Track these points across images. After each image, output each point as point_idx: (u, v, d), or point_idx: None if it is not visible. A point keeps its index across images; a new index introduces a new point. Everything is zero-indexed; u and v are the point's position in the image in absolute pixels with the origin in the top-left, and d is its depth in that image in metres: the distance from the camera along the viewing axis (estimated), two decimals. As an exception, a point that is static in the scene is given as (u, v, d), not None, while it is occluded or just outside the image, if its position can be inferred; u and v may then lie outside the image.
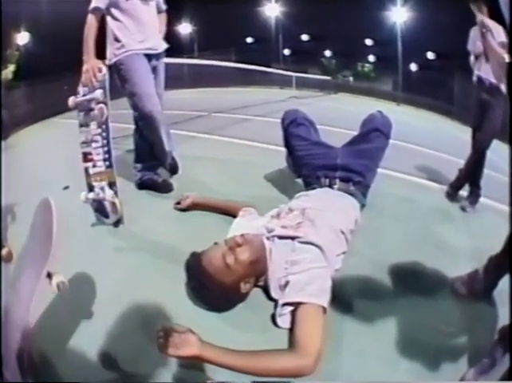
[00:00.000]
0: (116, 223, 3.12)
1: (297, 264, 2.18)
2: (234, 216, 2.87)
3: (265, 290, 2.29)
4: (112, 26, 3.42)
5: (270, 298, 2.24)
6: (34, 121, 9.44)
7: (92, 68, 3.08)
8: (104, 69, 3.14)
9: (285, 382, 1.75)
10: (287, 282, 2.13)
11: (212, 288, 2.11)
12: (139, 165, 3.73)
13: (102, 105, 3.04)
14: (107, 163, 3.07)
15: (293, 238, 2.36)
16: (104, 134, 3.06)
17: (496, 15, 3.15)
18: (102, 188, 3.06)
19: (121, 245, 2.86)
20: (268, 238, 2.40)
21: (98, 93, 3.02)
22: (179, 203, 3.29)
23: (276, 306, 2.14)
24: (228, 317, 2.14)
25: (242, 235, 2.23)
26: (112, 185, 3.08)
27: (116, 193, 3.08)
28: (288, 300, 2.07)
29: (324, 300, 2.04)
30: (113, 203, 3.04)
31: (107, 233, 3.03)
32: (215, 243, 2.26)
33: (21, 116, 9.39)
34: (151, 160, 3.73)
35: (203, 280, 2.12)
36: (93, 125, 3.07)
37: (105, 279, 2.45)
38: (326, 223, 2.48)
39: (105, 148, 3.06)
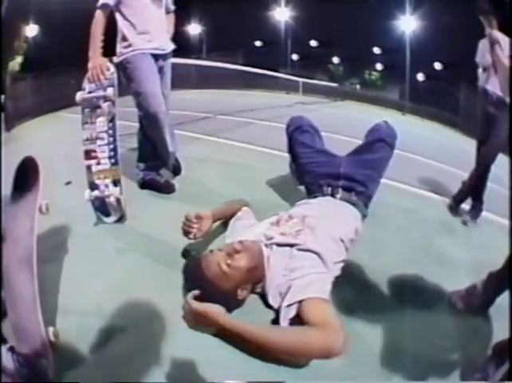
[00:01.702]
0: (120, 220, 3.12)
1: (297, 270, 2.17)
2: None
3: (263, 297, 2.28)
4: (120, 24, 3.44)
5: (267, 305, 2.23)
6: (39, 114, 9.46)
7: (100, 66, 3.10)
8: (112, 68, 3.15)
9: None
10: (289, 288, 2.11)
11: (209, 293, 2.07)
12: (141, 165, 3.73)
13: (111, 103, 3.05)
14: (112, 160, 3.07)
15: (291, 245, 2.34)
16: (110, 131, 3.07)
17: (506, 28, 3.15)
18: (106, 185, 3.06)
19: (121, 244, 2.86)
20: (266, 246, 2.38)
21: (110, 91, 3.04)
22: (195, 237, 2.59)
23: (278, 312, 2.11)
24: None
25: (240, 242, 2.23)
26: (116, 182, 3.09)
27: (121, 190, 3.09)
28: (291, 301, 2.05)
29: (326, 297, 2.06)
30: (118, 200, 3.04)
31: (107, 232, 3.03)
32: (211, 251, 2.25)
33: (26, 109, 9.43)
34: (154, 160, 3.73)
35: (201, 285, 2.10)
36: (99, 122, 3.07)
37: (104, 278, 2.46)
38: (326, 230, 2.47)
39: (111, 146, 3.07)
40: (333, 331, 1.80)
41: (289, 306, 2.05)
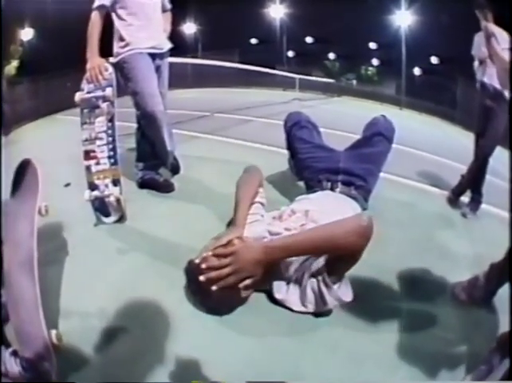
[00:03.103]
0: (120, 220, 3.12)
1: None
2: None
3: (268, 292, 2.27)
4: (116, 25, 3.43)
5: (272, 300, 2.23)
6: (36, 117, 9.45)
7: (99, 66, 3.10)
8: (111, 68, 3.15)
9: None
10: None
11: (214, 294, 2.04)
12: (140, 164, 3.72)
13: (109, 103, 3.05)
14: (111, 160, 3.07)
15: None
16: (109, 131, 3.07)
17: (501, 21, 3.15)
18: (106, 185, 3.06)
19: (122, 244, 2.85)
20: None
21: (109, 91, 3.04)
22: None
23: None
24: (227, 319, 2.13)
25: (242, 241, 2.20)
26: (116, 182, 3.08)
27: (120, 190, 3.09)
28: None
29: None
30: (118, 200, 3.04)
31: (107, 232, 3.03)
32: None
33: (24, 112, 9.40)
34: (153, 160, 3.72)
35: (205, 287, 2.06)
36: (98, 123, 3.07)
37: (105, 278, 2.45)
38: None
39: (110, 146, 3.06)
40: (358, 214, 2.26)
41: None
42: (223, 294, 2.05)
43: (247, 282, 2.07)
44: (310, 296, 2.12)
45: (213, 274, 2.00)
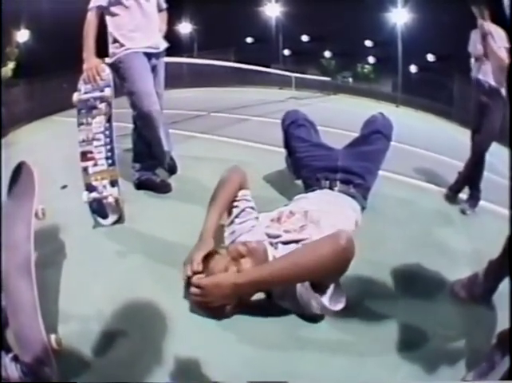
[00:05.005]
0: (118, 221, 3.11)
1: None
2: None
3: (268, 295, 2.25)
4: (111, 25, 3.41)
5: (272, 302, 2.22)
6: (33, 119, 9.40)
7: (96, 67, 3.09)
8: (108, 69, 3.15)
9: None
10: None
11: (203, 311, 2.08)
12: (137, 165, 3.71)
13: (107, 103, 3.05)
14: (109, 161, 3.06)
15: (297, 241, 2.30)
16: (107, 132, 3.06)
17: (498, 19, 3.15)
18: (104, 186, 3.05)
19: (120, 246, 2.84)
20: (271, 244, 2.32)
21: (107, 91, 3.05)
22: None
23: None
24: (226, 320, 2.12)
25: (244, 245, 2.17)
26: (114, 183, 3.07)
27: (119, 190, 3.09)
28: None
29: None
30: (116, 201, 3.03)
31: (105, 235, 3.02)
32: (212, 254, 2.18)
33: (20, 114, 9.36)
34: (150, 160, 3.71)
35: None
36: (95, 123, 3.06)
37: (103, 280, 2.44)
38: (330, 223, 2.42)
39: (108, 147, 3.06)
40: (336, 234, 1.95)
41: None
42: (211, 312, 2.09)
43: (226, 308, 2.09)
44: (300, 301, 2.10)
45: (192, 298, 2.07)
